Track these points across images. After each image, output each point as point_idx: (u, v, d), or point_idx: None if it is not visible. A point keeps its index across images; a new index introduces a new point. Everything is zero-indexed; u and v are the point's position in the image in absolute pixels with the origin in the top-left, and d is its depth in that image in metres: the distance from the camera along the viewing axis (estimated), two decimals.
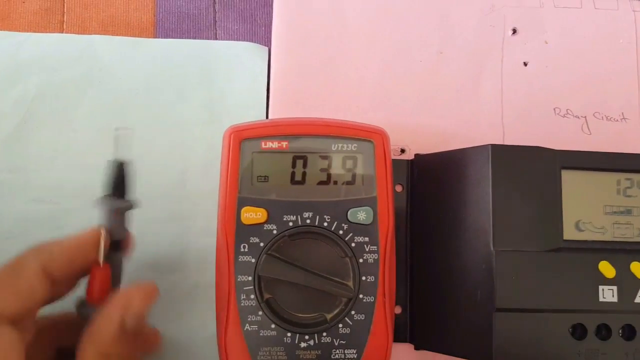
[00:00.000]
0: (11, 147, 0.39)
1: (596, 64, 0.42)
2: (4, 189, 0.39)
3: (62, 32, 0.41)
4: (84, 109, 0.40)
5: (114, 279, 0.35)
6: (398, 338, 0.37)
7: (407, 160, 0.39)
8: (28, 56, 0.40)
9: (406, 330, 0.37)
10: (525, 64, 0.41)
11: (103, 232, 0.33)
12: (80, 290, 0.33)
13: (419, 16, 0.41)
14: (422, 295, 0.37)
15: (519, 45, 0.42)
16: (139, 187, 0.39)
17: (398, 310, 0.38)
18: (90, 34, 0.41)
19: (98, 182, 0.39)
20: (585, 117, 0.41)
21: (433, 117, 0.40)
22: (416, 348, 0.37)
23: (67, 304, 0.33)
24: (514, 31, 0.42)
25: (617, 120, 0.41)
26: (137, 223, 0.38)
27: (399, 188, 0.39)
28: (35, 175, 0.39)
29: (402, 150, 0.40)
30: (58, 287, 0.31)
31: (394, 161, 0.39)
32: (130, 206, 0.34)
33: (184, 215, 0.38)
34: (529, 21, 0.42)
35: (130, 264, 0.38)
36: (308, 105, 0.40)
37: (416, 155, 0.39)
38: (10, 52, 0.40)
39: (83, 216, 0.38)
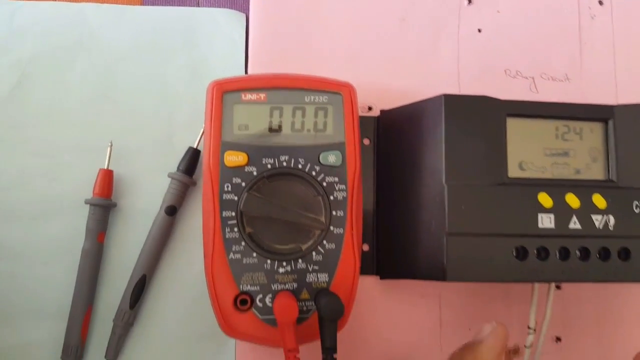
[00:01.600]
0: (9, 106, 0.42)
1: (542, 30, 0.46)
2: (3, 144, 0.42)
3: (55, 1, 0.45)
4: (76, 71, 0.43)
5: (162, 239, 0.41)
6: (366, 272, 0.42)
7: (374, 117, 0.44)
8: (23, 23, 0.43)
9: (373, 265, 0.42)
10: (479, 31, 0.46)
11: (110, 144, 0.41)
12: None
13: None
14: (386, 233, 0.41)
15: (474, 14, 0.46)
16: (129, 142, 0.43)
17: (366, 247, 0.42)
18: (81, 2, 0.44)
19: (90, 137, 0.43)
20: (532, 77, 0.46)
21: (397, 77, 0.45)
22: (381, 278, 0.42)
23: None
24: (470, 1, 0.46)
25: (561, 81, 0.46)
26: (128, 174, 0.43)
27: (366, 141, 0.43)
28: (32, 132, 0.42)
29: (370, 108, 0.44)
30: None
31: (363, 118, 0.43)
32: (194, 184, 0.42)
33: (171, 166, 0.42)
34: None
35: (122, 210, 0.42)
36: (283, 66, 0.44)
37: (382, 111, 0.43)
38: (6, 19, 0.43)
39: (76, 168, 0.42)
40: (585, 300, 0.44)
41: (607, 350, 0.44)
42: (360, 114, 0.44)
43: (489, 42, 0.46)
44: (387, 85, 0.44)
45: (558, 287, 0.44)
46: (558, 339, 0.43)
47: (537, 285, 0.38)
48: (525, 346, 0.40)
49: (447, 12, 0.46)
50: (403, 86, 0.44)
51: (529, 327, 0.39)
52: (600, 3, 0.47)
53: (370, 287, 0.42)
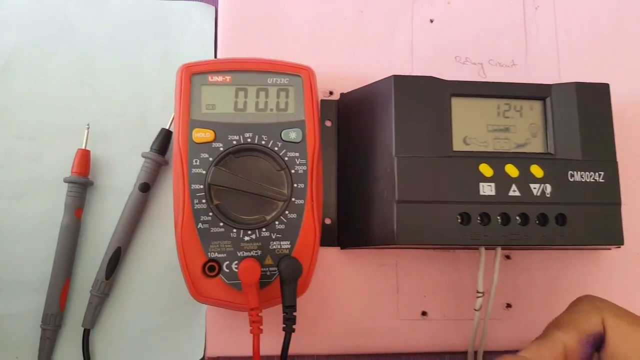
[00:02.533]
0: None
1: (490, 19, 0.50)
2: None
3: None
4: (57, 60, 0.46)
5: (136, 214, 0.44)
6: (328, 244, 0.45)
7: (335, 100, 0.47)
8: (7, 14, 0.47)
9: (335, 237, 0.45)
10: (431, 21, 0.50)
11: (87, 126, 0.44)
12: None
13: None
14: (346, 207, 0.44)
15: (426, 5, 0.50)
16: (106, 125, 0.46)
17: (328, 221, 0.45)
18: None
19: (69, 121, 0.46)
20: (481, 63, 0.49)
21: (355, 65, 0.48)
22: (342, 248, 0.45)
23: None
24: None
25: (508, 66, 0.50)
26: (105, 155, 0.45)
27: (328, 123, 0.47)
28: (15, 116, 0.45)
29: (331, 92, 0.47)
30: None
31: (325, 101, 0.47)
32: (166, 163, 0.45)
33: (145, 147, 0.45)
34: None
35: (99, 188, 0.45)
36: (250, 55, 0.47)
37: (341, 94, 0.47)
38: None
39: (56, 150, 0.45)
40: (534, 269, 0.47)
41: (555, 315, 0.47)
42: (322, 97, 0.47)
43: (441, 31, 0.49)
44: (346, 72, 0.48)
45: (508, 257, 0.47)
46: (509, 305, 0.47)
47: (483, 251, 0.41)
48: (475, 309, 0.43)
49: (401, 4, 0.50)
50: (361, 72, 0.48)
51: (478, 291, 0.42)
52: None
53: (332, 257, 0.45)
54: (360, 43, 0.49)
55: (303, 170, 0.40)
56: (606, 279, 0.48)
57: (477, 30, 0.50)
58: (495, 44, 0.50)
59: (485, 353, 0.46)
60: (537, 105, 0.42)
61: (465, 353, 0.46)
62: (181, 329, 0.44)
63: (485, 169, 0.40)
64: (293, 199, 0.40)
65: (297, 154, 0.41)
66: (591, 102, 0.42)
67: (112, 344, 0.43)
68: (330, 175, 0.46)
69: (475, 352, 0.45)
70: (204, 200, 0.39)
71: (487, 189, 0.39)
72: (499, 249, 0.42)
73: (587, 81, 0.42)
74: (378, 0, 0.49)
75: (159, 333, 0.44)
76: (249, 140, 0.40)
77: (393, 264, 0.46)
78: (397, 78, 0.40)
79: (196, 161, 0.39)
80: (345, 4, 0.49)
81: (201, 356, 0.44)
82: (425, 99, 0.40)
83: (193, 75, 0.40)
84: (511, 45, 0.50)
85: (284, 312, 0.38)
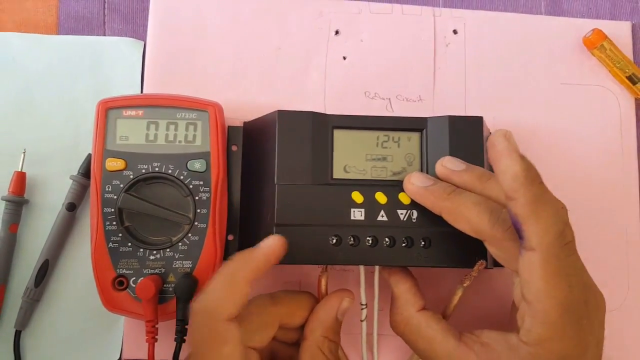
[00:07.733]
0: None
1: (401, 57, 0.54)
2: None
3: None
4: None
5: (63, 230, 0.49)
6: None
7: (241, 127, 0.50)
8: None
9: (236, 251, 0.49)
10: (344, 58, 0.54)
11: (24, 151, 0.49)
12: None
13: (261, 20, 0.54)
14: (245, 224, 0.48)
15: (340, 43, 0.54)
16: (42, 149, 0.51)
17: (231, 237, 0.49)
18: (6, 32, 0.53)
19: (9, 145, 0.51)
20: (389, 98, 0.53)
21: (272, 97, 0.53)
22: None
23: None
24: (337, 32, 0.54)
25: (415, 101, 0.54)
26: (39, 176, 0.51)
27: (234, 148, 0.49)
28: None
29: None
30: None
31: (234, 128, 0.50)
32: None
33: (76, 170, 0.50)
34: (349, 24, 0.54)
35: (33, 206, 0.50)
36: (174, 87, 0.52)
37: (244, 122, 0.50)
38: None
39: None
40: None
41: None
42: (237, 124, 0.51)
43: (352, 67, 0.54)
44: (263, 103, 0.52)
45: None
46: None
47: (362, 268, 0.46)
48: (361, 320, 0.47)
49: (317, 42, 0.54)
50: (276, 105, 0.51)
51: (361, 304, 0.47)
52: (455, 32, 0.55)
53: None
54: (276, 77, 0.53)
55: (206, 197, 0.45)
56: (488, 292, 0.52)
57: (387, 67, 0.54)
58: (404, 79, 0.54)
59: None
60: (414, 136, 0.46)
61: None
62: (102, 333, 0.49)
63: (357, 196, 0.44)
64: (196, 223, 0.45)
65: (201, 182, 0.45)
66: (463, 133, 0.45)
67: (40, 344, 0.49)
68: (236, 195, 0.49)
69: None
70: (114, 223, 0.44)
71: (358, 214, 0.44)
72: (377, 267, 0.46)
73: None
74: (295, 38, 0.54)
75: (82, 336, 0.49)
76: (156, 169, 0.45)
77: (296, 282, 0.50)
78: (280, 113, 0.45)
79: (108, 187, 0.45)
80: (264, 41, 0.53)
81: (117, 357, 0.49)
82: (307, 132, 0.45)
83: (109, 110, 0.45)
84: (419, 80, 0.54)
85: (176, 325, 0.43)
